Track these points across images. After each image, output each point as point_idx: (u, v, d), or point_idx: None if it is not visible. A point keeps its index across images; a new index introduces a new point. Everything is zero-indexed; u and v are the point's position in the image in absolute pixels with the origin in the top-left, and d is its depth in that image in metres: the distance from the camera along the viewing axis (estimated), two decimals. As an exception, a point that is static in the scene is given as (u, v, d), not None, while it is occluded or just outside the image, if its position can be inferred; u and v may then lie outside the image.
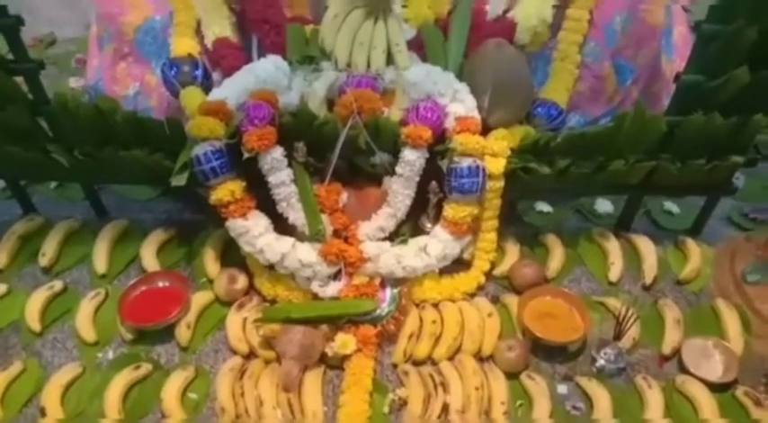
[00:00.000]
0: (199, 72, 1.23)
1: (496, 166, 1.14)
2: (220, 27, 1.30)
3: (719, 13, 1.02)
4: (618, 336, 1.13)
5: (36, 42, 1.78)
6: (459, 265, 1.24)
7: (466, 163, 1.12)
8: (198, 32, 1.33)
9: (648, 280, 1.25)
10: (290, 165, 1.12)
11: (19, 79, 1.14)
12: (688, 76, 1.09)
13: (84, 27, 1.74)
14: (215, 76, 1.29)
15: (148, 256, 1.25)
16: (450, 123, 1.15)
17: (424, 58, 1.25)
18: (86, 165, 1.16)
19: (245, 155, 1.07)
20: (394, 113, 1.18)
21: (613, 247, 1.30)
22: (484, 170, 1.13)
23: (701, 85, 1.09)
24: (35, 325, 1.15)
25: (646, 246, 1.30)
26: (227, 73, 1.24)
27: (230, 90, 1.14)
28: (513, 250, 1.29)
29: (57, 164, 1.16)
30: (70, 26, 1.86)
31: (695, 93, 1.11)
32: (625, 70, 1.37)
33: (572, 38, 1.31)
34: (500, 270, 1.26)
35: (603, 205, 1.43)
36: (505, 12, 1.32)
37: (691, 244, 1.31)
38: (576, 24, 1.30)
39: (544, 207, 1.43)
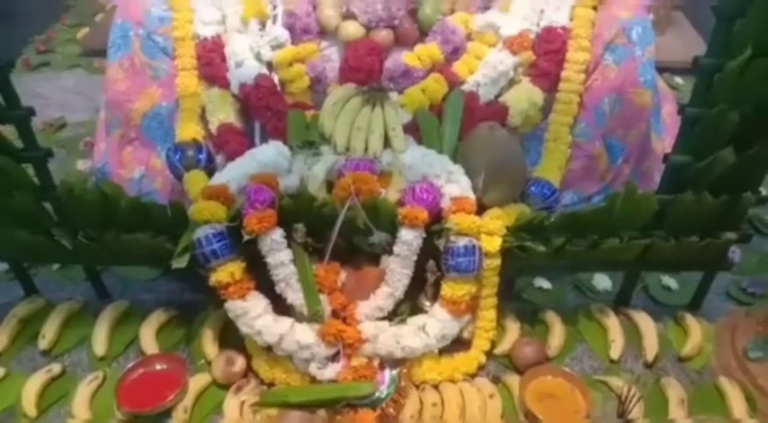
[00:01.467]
0: (203, 156, 1.28)
1: (493, 244, 1.16)
2: (225, 113, 1.36)
3: (702, 98, 1.06)
4: (621, 415, 1.11)
5: (46, 126, 1.85)
6: (458, 344, 1.23)
7: (462, 242, 1.13)
8: (203, 118, 1.38)
9: (650, 357, 1.24)
10: (289, 246, 1.14)
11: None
12: (676, 156, 1.13)
13: (94, 110, 1.81)
14: (218, 159, 1.34)
15: (147, 338, 1.25)
16: (445, 203, 1.18)
17: (420, 142, 1.29)
18: (90, 248, 1.18)
19: (246, 237, 1.10)
20: (391, 194, 1.21)
21: (613, 323, 1.29)
22: (480, 249, 1.14)
23: (689, 166, 1.12)
24: (31, 410, 1.14)
25: (645, 322, 1.29)
26: (230, 157, 1.29)
27: (233, 174, 1.18)
28: (512, 328, 1.28)
29: (60, 246, 1.19)
30: (80, 111, 1.94)
31: (684, 172, 1.14)
32: (616, 149, 1.41)
33: (563, 119, 1.36)
34: (501, 349, 1.25)
35: (602, 281, 1.43)
36: (497, 96, 1.38)
37: (690, 320, 1.30)
38: (566, 107, 1.36)
39: (543, 283, 1.43)
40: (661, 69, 1.91)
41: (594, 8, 1.36)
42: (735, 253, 1.35)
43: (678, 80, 2.09)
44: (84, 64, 2.20)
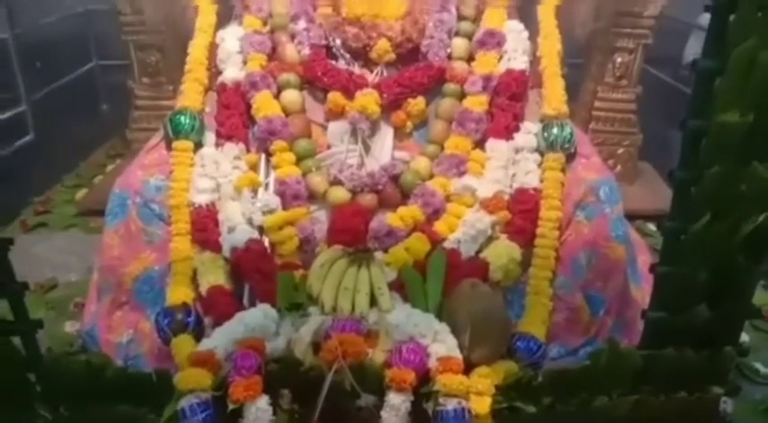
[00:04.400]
0: (191, 319, 1.30)
1: (482, 405, 1.14)
2: (215, 276, 1.39)
3: (670, 257, 1.12)
4: None
5: (37, 287, 1.87)
6: None
7: (451, 405, 1.12)
8: (194, 281, 1.42)
9: None
10: (275, 412, 1.12)
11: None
12: (653, 313, 1.16)
13: (87, 270, 1.84)
14: (207, 321, 1.35)
15: None
16: (432, 363, 1.18)
17: (406, 299, 1.32)
18: (71, 420, 1.16)
19: (231, 406, 1.08)
20: (378, 355, 1.21)
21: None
22: (470, 411, 1.12)
23: (666, 321, 1.15)
24: None
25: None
26: (219, 319, 1.30)
27: (220, 339, 1.19)
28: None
29: (42, 419, 1.16)
30: (73, 271, 1.97)
31: (663, 327, 1.16)
32: (596, 301, 1.45)
33: (542, 274, 1.41)
34: None
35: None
36: (478, 253, 1.44)
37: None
38: (544, 261, 1.41)
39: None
40: (634, 217, 2.01)
41: (563, 171, 1.47)
42: (726, 404, 1.33)
43: (651, 227, 2.18)
44: (81, 223, 2.27)
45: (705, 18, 0.99)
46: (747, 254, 1.06)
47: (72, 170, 2.69)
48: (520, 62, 1.61)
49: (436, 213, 1.48)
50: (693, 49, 3.51)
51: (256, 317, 1.23)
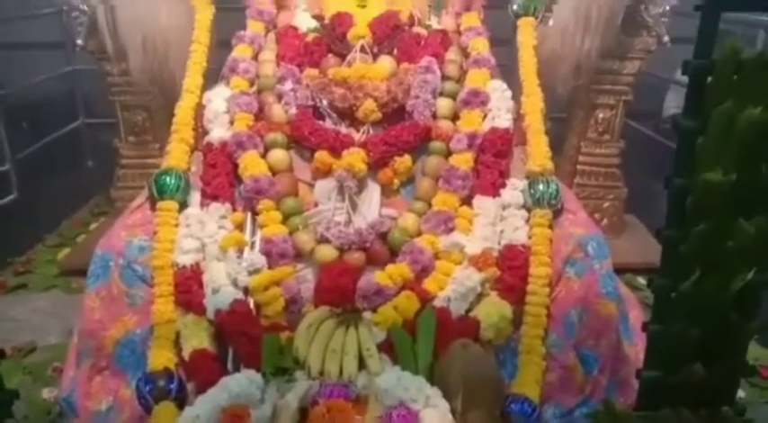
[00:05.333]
0: (173, 386, 1.26)
1: (476, 473, 1.10)
2: (198, 340, 1.35)
3: (662, 315, 1.11)
4: None
5: (15, 352, 1.81)
6: None
7: (444, 475, 1.08)
8: (176, 344, 1.38)
9: None
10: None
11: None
12: (647, 372, 1.13)
13: (67, 332, 1.79)
14: (190, 386, 1.31)
15: None
16: (424, 430, 1.14)
17: (395, 360, 1.29)
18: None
19: (214, 481, 1.03)
20: (368, 422, 1.18)
21: None
22: (464, 480, 1.09)
23: (661, 380, 1.13)
24: None
25: None
26: (202, 385, 1.26)
27: (203, 408, 1.14)
28: None
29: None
30: (53, 333, 1.91)
31: (659, 387, 1.14)
32: (590, 359, 1.42)
33: (534, 332, 1.39)
34: None
35: None
36: (468, 311, 1.42)
37: None
38: (536, 319, 1.39)
39: None
40: (622, 270, 2.00)
41: (550, 227, 1.47)
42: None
43: (640, 280, 2.18)
44: (62, 284, 2.22)
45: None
46: (739, 311, 1.05)
47: (54, 229, 2.66)
48: (504, 120, 1.64)
49: (425, 271, 1.46)
50: (672, 102, 3.61)
51: (241, 383, 1.19)
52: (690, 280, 1.03)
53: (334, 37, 1.75)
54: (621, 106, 2.30)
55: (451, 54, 1.77)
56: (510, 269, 1.43)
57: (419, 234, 1.52)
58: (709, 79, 0.96)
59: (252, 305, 1.41)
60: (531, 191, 1.51)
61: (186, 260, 1.43)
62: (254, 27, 1.86)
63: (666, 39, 2.18)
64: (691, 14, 0.98)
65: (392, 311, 1.39)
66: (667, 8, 2.16)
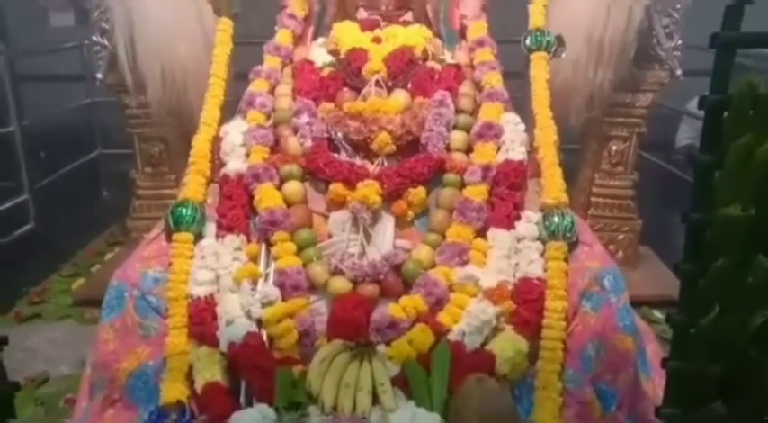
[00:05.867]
0: (185, 419, 1.25)
1: None
2: (211, 372, 1.34)
3: (681, 352, 1.09)
4: None
5: (28, 382, 1.81)
6: None
7: None
8: (189, 377, 1.37)
9: None
10: None
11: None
12: (666, 409, 1.11)
13: (80, 363, 1.79)
14: (202, 420, 1.30)
15: None
16: (439, 468, 1.12)
17: (410, 395, 1.28)
18: None
19: None
20: (382, 459, 1.16)
21: None
22: None
23: (681, 419, 1.10)
24: None
25: None
26: (214, 420, 1.25)
27: (215, 442, 1.14)
28: None
29: None
30: (66, 364, 1.92)
31: (679, 425, 1.11)
32: (607, 395, 1.39)
33: (550, 367, 1.37)
34: None
35: None
36: (483, 345, 1.40)
37: None
38: (552, 354, 1.37)
39: None
40: (639, 303, 1.98)
41: (566, 260, 1.46)
42: None
43: (657, 314, 2.15)
44: (75, 314, 2.23)
45: (694, 104, 1.02)
46: (760, 347, 1.03)
47: (70, 259, 2.68)
48: (518, 153, 1.64)
49: (439, 303, 1.45)
50: (685, 133, 3.61)
51: (253, 418, 1.18)
52: (709, 316, 1.01)
53: (349, 71, 1.77)
54: (635, 138, 2.30)
55: (465, 88, 1.79)
56: (525, 302, 1.42)
57: (433, 266, 1.51)
58: (726, 114, 0.96)
59: (265, 338, 1.40)
60: (546, 223, 1.50)
61: (200, 292, 1.43)
62: (270, 62, 1.89)
63: (679, 72, 2.19)
64: (703, 48, 0.98)
65: (406, 345, 1.38)
66: (679, 42, 2.18)
